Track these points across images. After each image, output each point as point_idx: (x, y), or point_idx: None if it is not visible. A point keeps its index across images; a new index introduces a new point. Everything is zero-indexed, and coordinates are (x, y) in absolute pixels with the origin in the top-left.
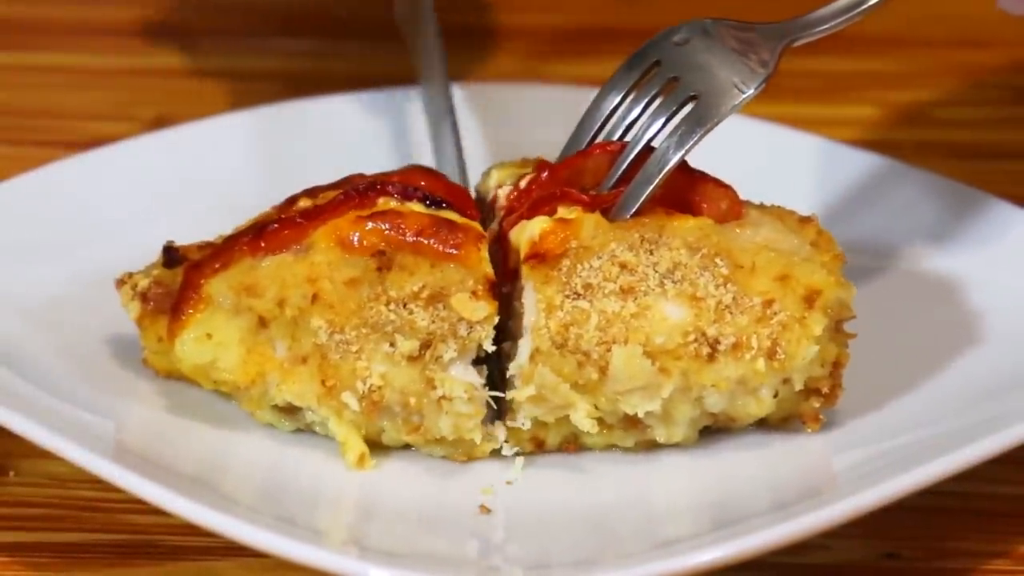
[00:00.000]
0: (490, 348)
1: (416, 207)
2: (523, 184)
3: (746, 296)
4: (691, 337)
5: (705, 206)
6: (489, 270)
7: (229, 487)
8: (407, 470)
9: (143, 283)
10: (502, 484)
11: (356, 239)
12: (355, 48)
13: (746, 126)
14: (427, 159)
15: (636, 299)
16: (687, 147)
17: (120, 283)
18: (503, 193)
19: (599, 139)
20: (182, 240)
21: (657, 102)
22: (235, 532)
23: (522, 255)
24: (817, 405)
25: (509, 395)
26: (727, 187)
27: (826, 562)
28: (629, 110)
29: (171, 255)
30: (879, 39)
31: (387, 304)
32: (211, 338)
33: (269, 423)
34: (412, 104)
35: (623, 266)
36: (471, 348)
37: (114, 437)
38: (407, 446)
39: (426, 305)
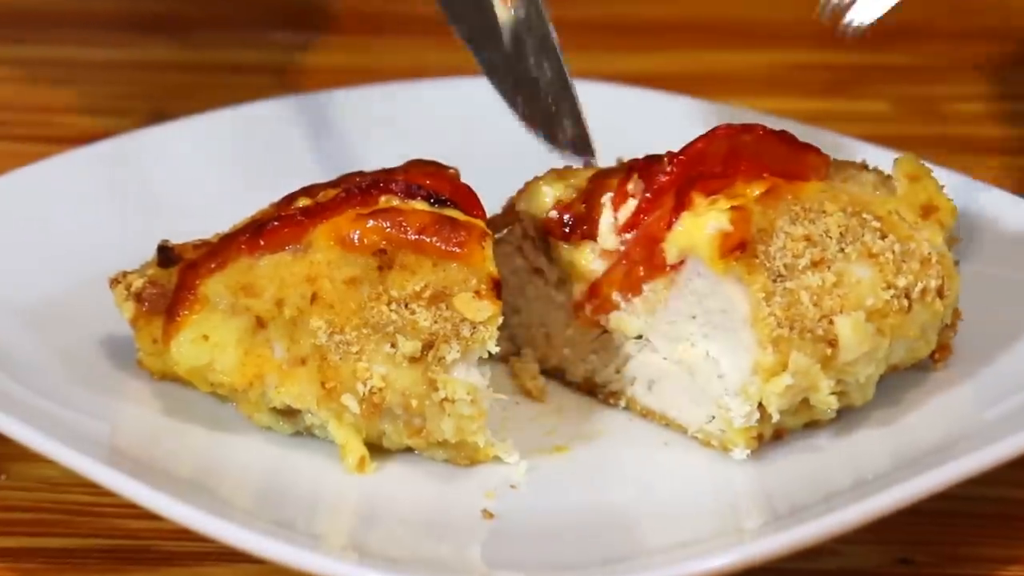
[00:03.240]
0: (494, 349)
1: (419, 205)
2: (630, 186)
3: (907, 242)
4: (891, 292)
5: (810, 175)
6: (493, 269)
7: (226, 491)
8: (408, 473)
9: (137, 283)
10: (506, 488)
11: (356, 237)
12: (355, 42)
13: (758, 120)
14: (426, 154)
15: (829, 268)
16: None
17: (114, 283)
18: (605, 202)
19: None
20: (179, 238)
21: None
22: (232, 537)
23: (713, 250)
24: (952, 335)
25: (761, 390)
26: (825, 155)
27: (838, 568)
28: None
29: (166, 254)
30: (892, 31)
31: (388, 304)
32: (207, 340)
33: (267, 426)
34: (413, 98)
35: (807, 239)
36: (474, 349)
37: (107, 440)
38: (409, 449)
39: (428, 305)
